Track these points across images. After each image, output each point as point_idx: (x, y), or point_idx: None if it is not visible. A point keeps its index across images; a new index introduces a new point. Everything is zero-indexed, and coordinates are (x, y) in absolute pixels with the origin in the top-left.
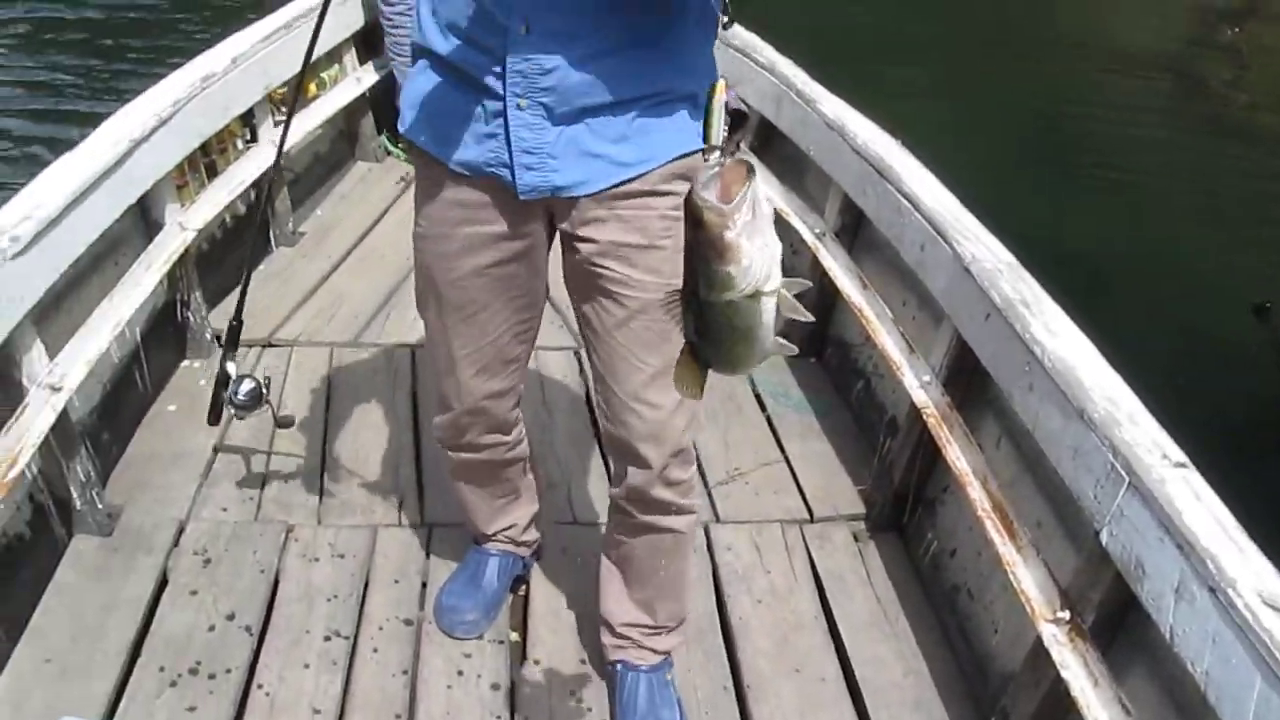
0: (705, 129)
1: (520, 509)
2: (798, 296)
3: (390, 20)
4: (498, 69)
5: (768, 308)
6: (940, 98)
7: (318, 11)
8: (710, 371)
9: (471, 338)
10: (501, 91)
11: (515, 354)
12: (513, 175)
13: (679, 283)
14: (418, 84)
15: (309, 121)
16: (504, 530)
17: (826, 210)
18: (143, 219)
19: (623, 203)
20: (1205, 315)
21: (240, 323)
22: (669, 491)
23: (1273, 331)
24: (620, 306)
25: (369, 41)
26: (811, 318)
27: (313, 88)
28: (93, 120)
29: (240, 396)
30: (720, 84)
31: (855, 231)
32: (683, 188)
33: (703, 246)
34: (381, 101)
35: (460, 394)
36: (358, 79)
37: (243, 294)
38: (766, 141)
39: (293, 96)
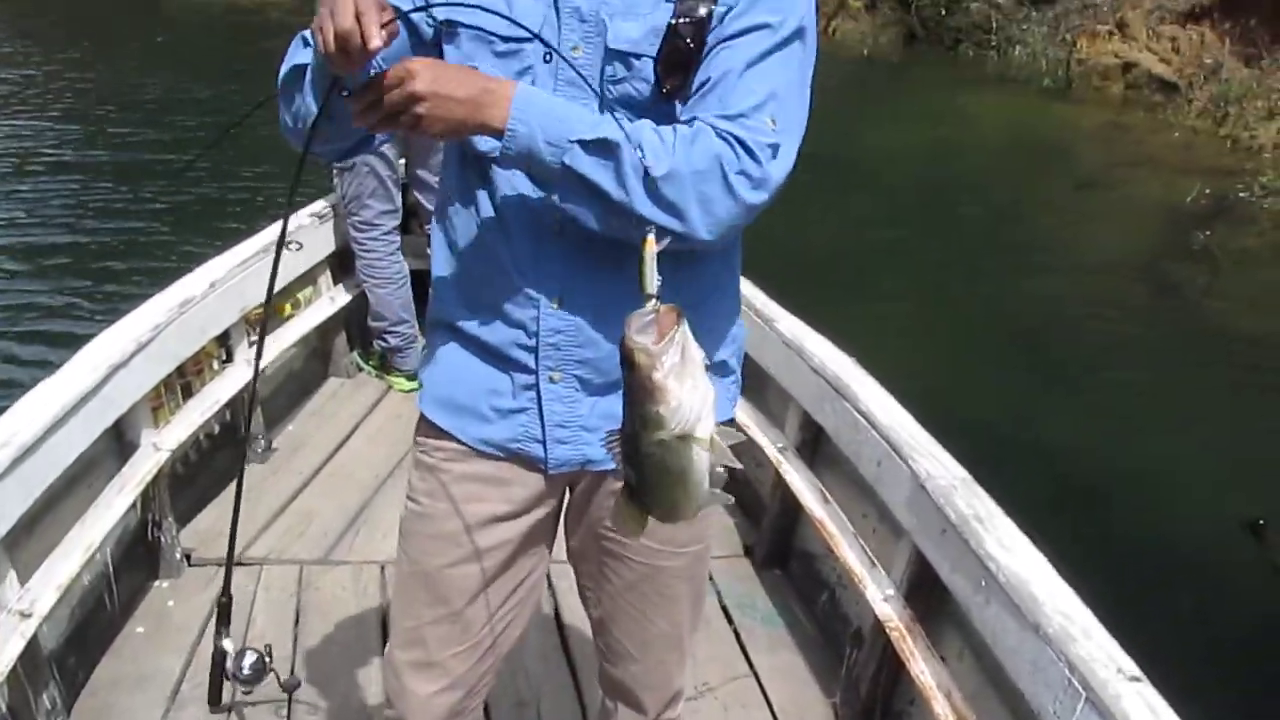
0: (640, 278)
1: None
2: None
3: (361, 244)
4: (529, 342)
5: (699, 453)
6: (904, 303)
7: (291, 235)
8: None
9: (451, 638)
10: (533, 365)
11: (490, 662)
12: (545, 450)
13: (694, 548)
14: (436, 359)
15: (284, 340)
16: None
17: (787, 425)
18: (117, 441)
19: None
20: (1172, 525)
21: (229, 599)
22: None
23: (1269, 548)
24: (630, 570)
25: (343, 262)
26: (740, 465)
27: (288, 308)
28: (76, 340)
29: (245, 671)
30: (650, 238)
31: (816, 446)
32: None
33: (635, 387)
34: (353, 319)
35: (411, 709)
36: (331, 299)
37: (228, 570)
38: None
39: (261, 336)
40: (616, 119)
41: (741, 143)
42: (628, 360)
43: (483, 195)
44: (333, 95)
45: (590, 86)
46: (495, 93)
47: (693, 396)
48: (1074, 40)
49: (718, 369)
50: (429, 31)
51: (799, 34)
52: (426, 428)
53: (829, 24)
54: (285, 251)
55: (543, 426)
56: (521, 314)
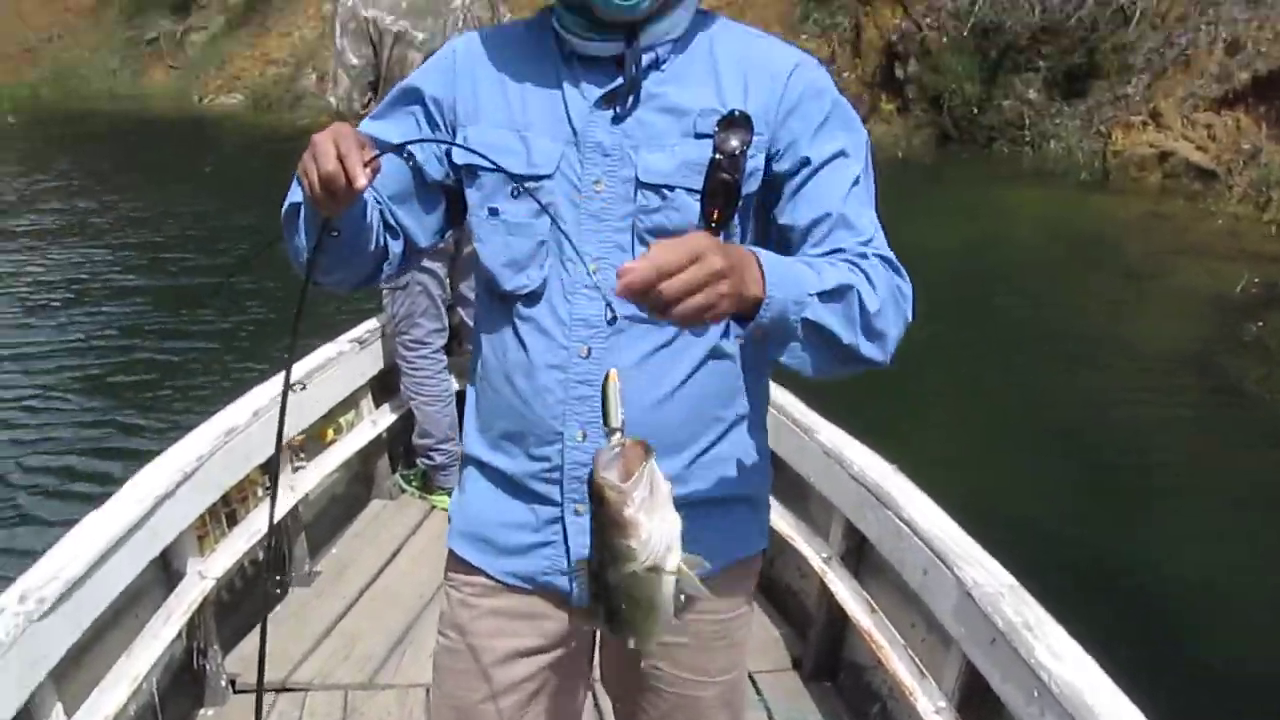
0: (604, 413)
1: None
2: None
3: (410, 363)
4: (554, 475)
5: (668, 582)
6: (945, 402)
7: (332, 361)
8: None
9: None
10: (558, 498)
11: None
12: (570, 584)
13: (728, 677)
14: (464, 493)
15: (326, 465)
16: None
17: (830, 535)
18: (164, 570)
19: None
20: (1229, 632)
21: None
22: None
23: None
24: (664, 700)
25: (384, 385)
26: (708, 594)
27: (330, 432)
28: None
29: None
30: (613, 372)
31: (860, 555)
32: (740, 591)
33: (605, 523)
34: (396, 441)
35: None
36: (373, 422)
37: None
38: None
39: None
40: (830, 264)
41: (890, 263)
42: (597, 496)
43: (508, 331)
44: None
45: (614, 220)
46: (745, 258)
47: (661, 529)
48: (1108, 132)
49: (744, 503)
50: (436, 173)
51: (869, 156)
52: (455, 562)
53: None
54: (321, 377)
55: (568, 560)
56: (547, 448)
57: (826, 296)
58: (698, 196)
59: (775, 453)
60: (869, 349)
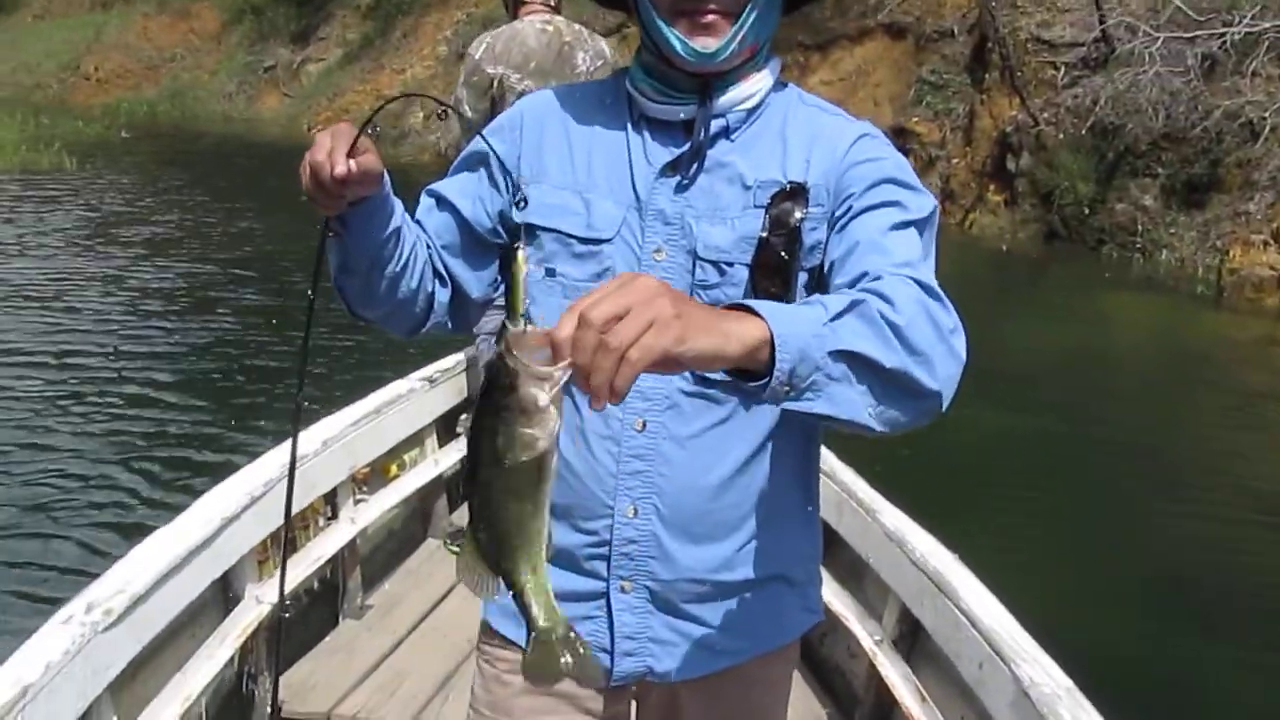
0: (512, 298)
1: None
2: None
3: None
4: (601, 550)
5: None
6: (1023, 507)
7: (402, 398)
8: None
9: None
10: (605, 573)
11: None
12: (611, 661)
13: None
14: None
15: (387, 500)
16: None
17: (885, 618)
18: (223, 592)
19: (716, 688)
20: None
21: None
22: None
23: None
24: None
25: (448, 425)
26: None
27: (394, 468)
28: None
29: None
30: (522, 254)
31: (914, 642)
32: (781, 674)
33: (512, 410)
34: (456, 480)
35: None
36: (435, 461)
37: None
38: (827, 546)
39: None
40: (834, 296)
41: (923, 285)
42: (509, 383)
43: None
44: (351, 247)
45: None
46: (728, 314)
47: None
48: (1226, 248)
49: (791, 585)
50: (488, 228)
51: (931, 220)
52: (489, 635)
53: (966, 216)
54: (390, 413)
55: (611, 637)
56: (595, 522)
57: (841, 320)
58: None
59: (836, 530)
60: (919, 371)
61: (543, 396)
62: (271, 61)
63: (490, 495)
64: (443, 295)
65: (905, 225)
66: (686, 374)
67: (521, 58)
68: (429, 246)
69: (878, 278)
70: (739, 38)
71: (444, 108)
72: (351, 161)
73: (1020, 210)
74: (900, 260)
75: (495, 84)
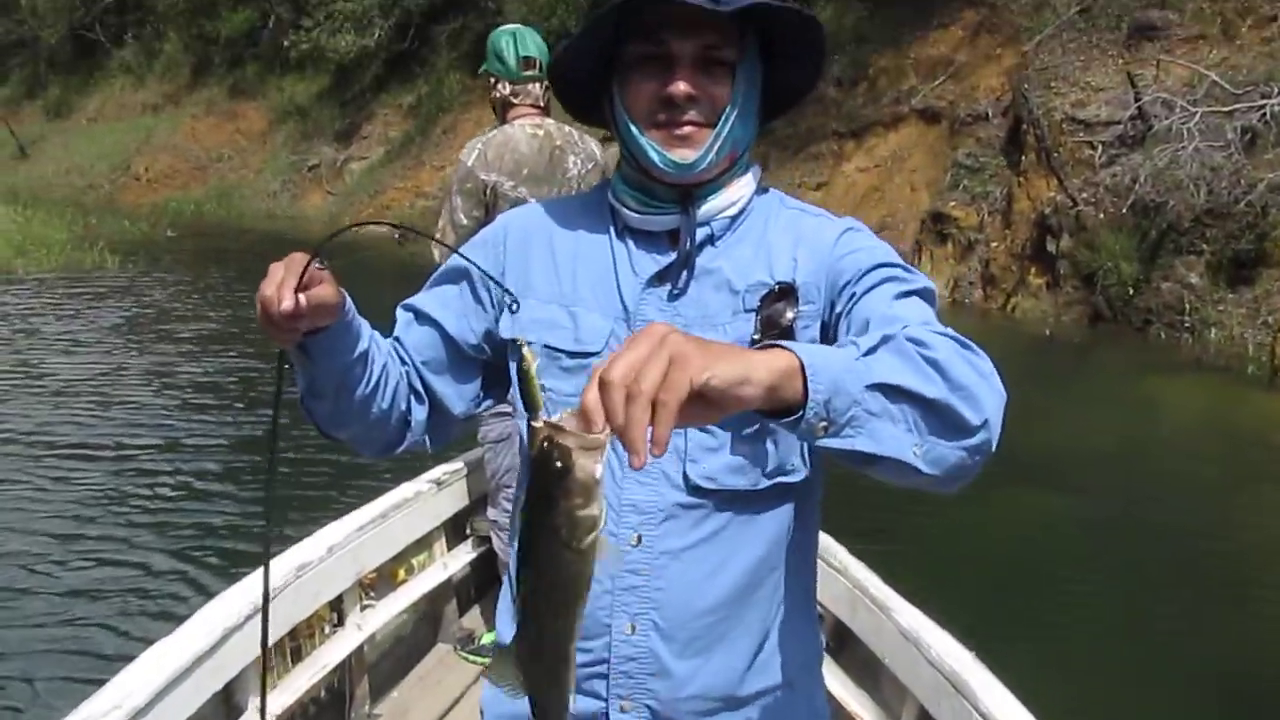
0: (529, 393)
1: None
2: None
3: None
4: (599, 670)
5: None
6: (1050, 595)
7: (408, 501)
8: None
9: None
10: (604, 693)
11: None
12: None
13: None
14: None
15: (395, 606)
16: None
17: (902, 718)
18: (225, 704)
19: None
20: None
21: None
22: None
23: None
24: None
25: (457, 528)
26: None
27: (401, 573)
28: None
29: None
30: (529, 351)
31: None
32: None
33: (565, 488)
34: (465, 584)
35: None
36: (444, 565)
37: None
38: (841, 644)
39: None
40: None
41: (949, 334)
42: (561, 456)
43: None
44: (316, 375)
45: None
46: (753, 350)
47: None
48: (1277, 325)
49: (796, 692)
50: (472, 345)
51: (932, 295)
52: None
53: (1008, 300)
54: (397, 517)
55: None
56: (592, 641)
57: (873, 352)
58: None
59: (850, 628)
60: (964, 406)
61: (597, 468)
62: (315, 160)
63: (555, 588)
64: (419, 413)
65: (909, 294)
66: (680, 484)
67: (514, 164)
68: (406, 362)
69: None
70: (716, 148)
71: (405, 233)
72: (301, 296)
73: (1063, 293)
74: (918, 321)
75: (488, 191)
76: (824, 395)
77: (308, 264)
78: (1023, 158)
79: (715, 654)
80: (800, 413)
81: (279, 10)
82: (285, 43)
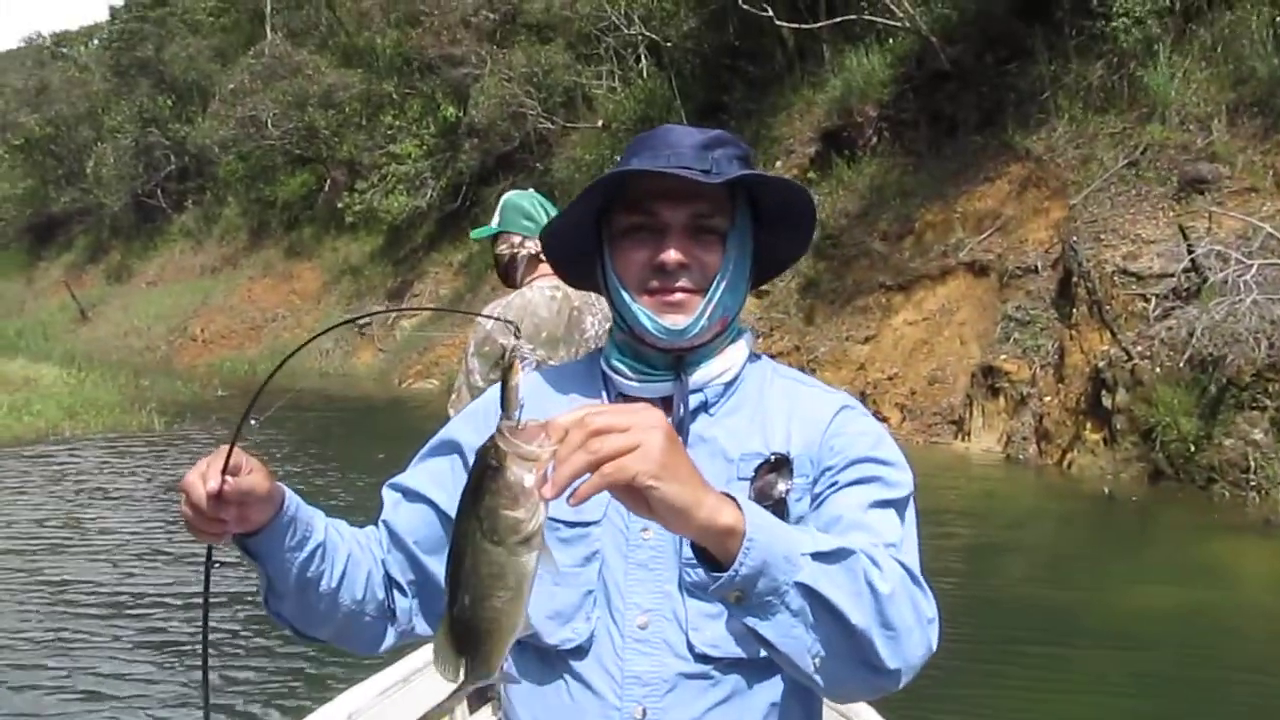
0: (505, 396)
1: None
2: None
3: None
4: None
5: (531, 561)
6: None
7: (429, 666)
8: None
9: None
10: None
11: None
12: None
13: None
14: None
15: None
16: None
17: None
18: None
19: None
20: None
21: None
22: None
23: None
24: None
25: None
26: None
27: None
28: None
29: None
30: (516, 363)
31: None
32: None
33: (495, 491)
34: None
35: None
36: None
37: None
38: None
39: None
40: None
41: (908, 570)
42: (497, 465)
43: (552, 690)
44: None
45: (663, 570)
46: (715, 491)
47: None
48: None
49: None
50: None
51: (910, 500)
52: None
53: (1064, 456)
54: (418, 681)
55: None
56: None
57: (824, 558)
58: None
59: None
60: (885, 646)
61: (528, 478)
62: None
63: (474, 578)
64: (403, 602)
65: (886, 505)
66: (685, 653)
67: (533, 328)
68: (393, 548)
69: (871, 546)
70: (707, 313)
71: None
72: (227, 477)
73: (1120, 449)
74: (886, 540)
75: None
76: (749, 572)
77: (231, 445)
78: (1074, 310)
79: None
80: (719, 573)
81: (334, 173)
82: (340, 204)
